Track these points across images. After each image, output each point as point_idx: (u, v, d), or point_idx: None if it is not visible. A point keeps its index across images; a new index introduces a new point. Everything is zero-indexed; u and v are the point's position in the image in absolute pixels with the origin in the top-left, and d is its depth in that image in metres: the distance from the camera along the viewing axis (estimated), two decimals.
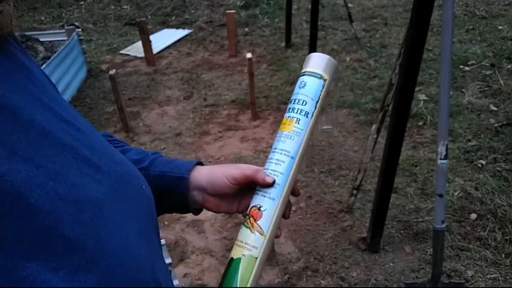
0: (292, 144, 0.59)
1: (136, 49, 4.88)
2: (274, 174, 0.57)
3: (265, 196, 0.56)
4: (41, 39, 4.13)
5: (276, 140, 0.60)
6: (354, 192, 2.27)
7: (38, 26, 5.80)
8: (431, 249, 1.84)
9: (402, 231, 2.18)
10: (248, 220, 0.55)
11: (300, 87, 0.61)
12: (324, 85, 0.61)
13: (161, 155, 0.67)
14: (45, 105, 0.42)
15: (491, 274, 1.89)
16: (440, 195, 1.59)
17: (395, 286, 1.90)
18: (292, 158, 0.58)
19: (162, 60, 4.65)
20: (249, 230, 0.54)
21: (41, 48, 3.95)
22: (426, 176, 2.51)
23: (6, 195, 0.33)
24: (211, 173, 0.62)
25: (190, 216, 2.40)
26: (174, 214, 2.40)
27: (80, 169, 0.41)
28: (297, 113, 0.59)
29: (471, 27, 4.46)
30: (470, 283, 1.86)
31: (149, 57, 4.50)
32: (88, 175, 0.41)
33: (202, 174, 0.63)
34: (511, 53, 3.78)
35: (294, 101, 0.61)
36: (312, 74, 0.61)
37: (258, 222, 0.54)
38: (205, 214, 2.40)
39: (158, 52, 4.82)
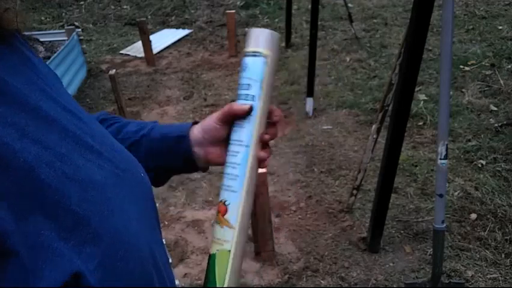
0: (244, 133, 0.57)
1: (136, 49, 4.88)
2: (232, 167, 0.56)
3: (227, 190, 0.56)
4: (41, 39, 4.13)
5: (231, 131, 0.59)
6: (354, 192, 2.27)
7: (38, 26, 5.80)
8: (431, 249, 1.84)
9: (402, 231, 2.18)
10: (217, 216, 0.55)
11: (242, 71, 0.59)
12: (266, 62, 0.58)
13: (158, 124, 0.71)
14: (48, 95, 0.45)
15: (491, 274, 1.89)
16: (440, 195, 1.59)
17: (395, 286, 1.90)
18: (247, 146, 0.57)
19: (162, 60, 4.65)
20: (218, 225, 0.55)
21: (41, 48, 3.95)
22: (426, 176, 2.51)
23: (20, 170, 0.36)
24: (203, 124, 0.66)
25: (190, 216, 2.40)
26: (174, 214, 2.40)
27: (82, 154, 0.44)
28: (244, 99, 0.58)
29: (471, 27, 4.46)
30: (470, 283, 1.86)
31: (149, 57, 4.50)
32: (90, 160, 0.44)
33: (197, 129, 0.67)
34: (511, 53, 3.78)
35: (240, 86, 0.59)
36: (252, 54, 0.58)
37: (225, 216, 0.54)
38: (205, 214, 2.40)
39: (158, 52, 4.82)
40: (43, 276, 0.34)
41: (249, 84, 0.58)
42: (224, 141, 0.65)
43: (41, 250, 0.35)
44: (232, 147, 0.58)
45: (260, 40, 0.58)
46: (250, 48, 0.58)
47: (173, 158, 0.67)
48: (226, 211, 0.55)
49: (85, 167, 0.43)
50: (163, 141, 0.67)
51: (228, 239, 0.54)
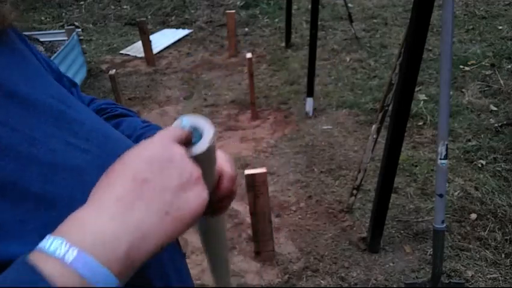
0: None
1: (136, 49, 4.88)
2: None
3: None
4: (41, 39, 4.13)
5: None
6: (354, 192, 2.27)
7: (38, 26, 5.80)
8: (431, 249, 1.84)
9: (402, 231, 2.18)
10: None
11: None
12: None
13: (149, 128, 0.69)
14: (36, 84, 0.47)
15: (491, 274, 1.89)
16: (440, 195, 1.59)
17: (395, 286, 1.90)
18: None
19: (162, 60, 4.65)
20: None
21: (41, 48, 3.95)
22: (426, 176, 2.51)
23: None
24: None
25: None
26: None
27: (64, 139, 0.45)
28: None
29: (471, 27, 4.45)
30: (470, 283, 1.86)
31: (149, 57, 4.50)
32: (72, 144, 0.45)
33: None
34: (511, 53, 3.78)
35: None
36: None
37: None
38: None
39: (158, 52, 4.82)
40: None
41: None
42: None
43: None
44: None
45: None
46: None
47: None
48: None
49: (62, 151, 0.43)
50: None
51: None
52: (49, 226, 0.36)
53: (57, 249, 0.32)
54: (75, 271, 0.31)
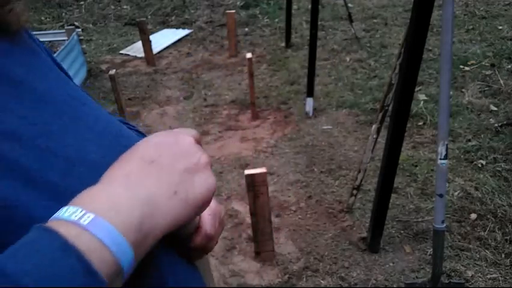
0: None
1: (136, 49, 4.88)
2: None
3: None
4: (41, 39, 4.10)
5: None
6: (354, 192, 2.27)
7: (38, 26, 5.80)
8: (431, 249, 1.84)
9: (402, 231, 2.18)
10: None
11: None
12: None
13: None
14: (51, 80, 0.48)
15: (491, 274, 1.89)
16: (440, 195, 1.59)
17: (395, 286, 1.90)
18: None
19: (162, 60, 4.65)
20: None
21: None
22: (426, 176, 2.51)
23: None
24: None
25: None
26: None
27: (80, 134, 0.45)
28: None
29: (471, 27, 4.45)
30: (470, 283, 1.86)
31: (149, 57, 4.50)
32: (88, 140, 0.45)
33: None
34: (511, 53, 3.78)
35: None
36: None
37: None
38: None
39: (158, 52, 4.82)
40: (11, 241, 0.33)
41: None
42: None
43: (16, 213, 0.35)
44: None
45: None
46: None
47: None
48: None
49: (78, 145, 0.43)
50: None
51: None
52: None
53: (73, 215, 0.32)
54: (92, 234, 0.31)
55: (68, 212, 0.33)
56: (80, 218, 0.32)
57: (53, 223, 0.32)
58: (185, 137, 0.43)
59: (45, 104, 0.44)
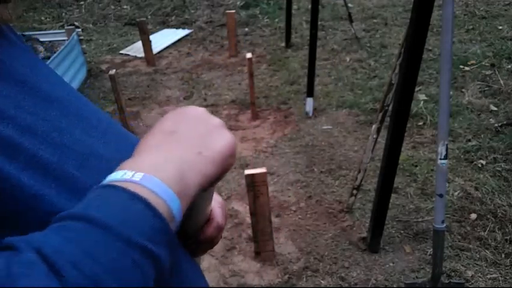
0: None
1: (136, 49, 4.87)
2: None
3: None
4: (41, 39, 4.13)
5: None
6: (354, 192, 2.27)
7: (38, 26, 5.80)
8: (431, 249, 1.84)
9: (402, 231, 2.18)
10: None
11: None
12: None
13: None
14: (52, 81, 0.49)
15: (491, 274, 1.89)
16: (440, 195, 1.59)
17: (395, 286, 1.90)
18: None
19: (162, 60, 4.65)
20: None
21: (41, 48, 3.95)
22: (426, 176, 2.51)
23: (18, 132, 0.38)
24: None
25: None
26: None
27: (86, 131, 0.46)
28: None
29: (471, 27, 4.45)
30: (470, 283, 1.86)
31: (149, 57, 4.49)
32: (93, 137, 0.47)
33: None
34: (511, 53, 3.78)
35: None
36: None
37: None
38: None
39: (158, 52, 4.82)
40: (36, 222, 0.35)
41: None
42: None
43: (41, 204, 0.36)
44: None
45: None
46: None
47: None
48: None
49: (87, 141, 0.45)
50: None
51: None
52: None
53: (124, 175, 0.37)
54: (146, 187, 0.36)
55: (118, 174, 0.37)
56: (132, 176, 0.37)
57: (109, 184, 0.36)
58: (196, 107, 0.48)
59: (51, 103, 0.45)
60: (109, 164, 0.43)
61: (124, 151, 0.46)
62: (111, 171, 0.40)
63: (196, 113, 0.47)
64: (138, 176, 0.36)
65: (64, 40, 4.12)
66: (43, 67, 0.51)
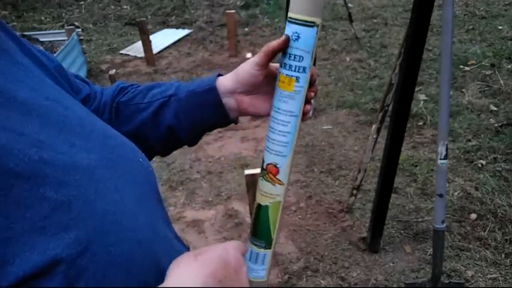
0: (295, 104, 0.59)
1: (136, 49, 4.88)
2: (282, 135, 0.60)
3: (278, 155, 0.62)
4: (41, 39, 4.13)
5: (277, 99, 0.60)
6: (354, 192, 2.27)
7: (38, 26, 5.80)
8: (431, 249, 1.84)
9: (402, 231, 2.18)
10: (267, 175, 0.62)
11: (294, 40, 0.57)
12: (317, 32, 0.57)
13: (182, 83, 0.71)
14: (29, 86, 0.46)
15: (491, 274, 1.89)
16: (440, 195, 1.59)
17: (395, 286, 1.90)
18: (296, 116, 0.60)
19: (162, 60, 4.65)
20: (270, 183, 0.62)
21: (41, 48, 3.94)
22: (426, 176, 2.51)
23: None
24: (235, 73, 0.65)
25: (190, 216, 2.40)
26: (174, 214, 2.40)
27: (68, 140, 0.44)
28: (295, 70, 0.58)
29: (471, 27, 4.45)
30: (470, 283, 1.86)
31: (149, 57, 4.49)
32: (76, 145, 0.44)
33: (227, 79, 0.66)
34: (511, 53, 3.78)
35: (290, 56, 0.58)
36: (305, 23, 0.56)
37: (277, 176, 0.62)
38: (205, 214, 2.40)
39: (158, 52, 4.82)
40: (8, 272, 0.34)
41: (301, 56, 0.57)
42: (258, 89, 0.65)
43: (8, 244, 0.34)
44: (281, 117, 0.60)
45: (312, 7, 0.55)
46: (301, 15, 0.56)
47: (204, 112, 0.66)
48: (277, 172, 0.62)
49: (69, 152, 0.43)
50: (191, 97, 0.66)
51: (280, 193, 0.62)
52: (68, 229, 0.37)
53: None
54: None
55: None
56: None
57: None
58: (237, 254, 0.50)
59: (28, 112, 0.43)
60: (92, 174, 0.42)
61: (110, 155, 0.45)
62: (93, 182, 0.39)
63: (236, 263, 0.49)
64: None
65: (63, 40, 4.12)
66: (19, 70, 0.47)
